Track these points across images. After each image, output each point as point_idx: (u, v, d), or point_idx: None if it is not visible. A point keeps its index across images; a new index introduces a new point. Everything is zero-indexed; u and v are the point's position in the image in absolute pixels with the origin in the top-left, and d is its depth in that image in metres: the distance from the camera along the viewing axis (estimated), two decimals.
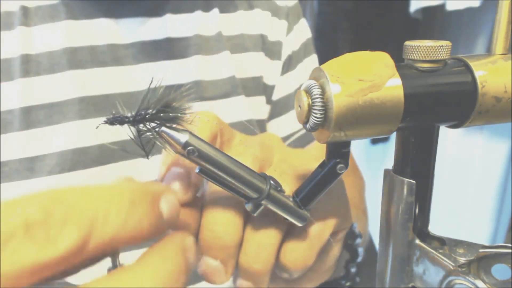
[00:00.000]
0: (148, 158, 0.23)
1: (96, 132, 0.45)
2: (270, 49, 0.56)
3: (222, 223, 0.25)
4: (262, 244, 0.25)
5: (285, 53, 0.57)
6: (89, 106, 0.46)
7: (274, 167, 0.28)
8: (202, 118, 0.27)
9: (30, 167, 0.45)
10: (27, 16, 0.46)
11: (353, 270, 0.38)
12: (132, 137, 0.22)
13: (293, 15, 0.59)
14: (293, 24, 0.59)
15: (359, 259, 0.38)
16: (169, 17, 0.50)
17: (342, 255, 0.38)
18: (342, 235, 0.31)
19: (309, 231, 0.27)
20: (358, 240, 0.38)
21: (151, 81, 0.22)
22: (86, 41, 0.47)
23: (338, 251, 0.32)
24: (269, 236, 0.26)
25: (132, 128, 0.22)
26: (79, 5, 0.47)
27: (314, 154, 0.31)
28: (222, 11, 0.54)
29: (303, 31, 0.60)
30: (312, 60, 0.61)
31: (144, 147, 0.22)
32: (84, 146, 0.46)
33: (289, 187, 0.26)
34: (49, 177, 0.45)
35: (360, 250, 0.39)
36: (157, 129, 0.22)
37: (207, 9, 0.53)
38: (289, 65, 0.58)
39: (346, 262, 0.38)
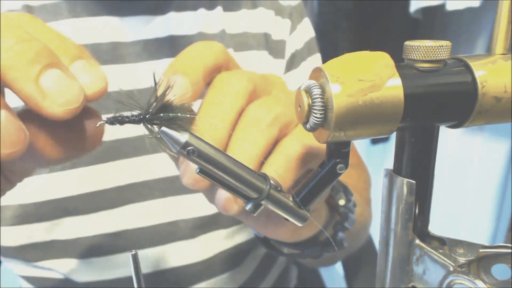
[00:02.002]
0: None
1: None
2: (274, 47, 0.56)
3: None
4: (242, 158, 0.25)
5: (289, 51, 0.57)
6: (90, 103, 0.47)
7: (272, 95, 0.29)
8: (209, 45, 0.29)
9: None
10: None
11: (340, 234, 0.38)
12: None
13: (297, 14, 0.59)
14: (296, 23, 0.59)
15: (349, 225, 0.38)
16: (172, 15, 0.50)
17: (333, 218, 0.38)
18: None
19: (285, 151, 0.28)
20: (351, 205, 0.38)
21: (156, 82, 0.22)
22: (89, 39, 0.47)
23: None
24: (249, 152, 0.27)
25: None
26: (82, 3, 0.47)
27: None
28: (225, 9, 0.54)
29: (307, 30, 0.60)
30: (316, 59, 0.61)
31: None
32: None
33: (280, 110, 0.28)
34: (51, 174, 0.45)
35: (352, 216, 0.39)
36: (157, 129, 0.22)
37: (210, 7, 0.53)
38: (292, 63, 0.58)
39: (335, 223, 0.38)
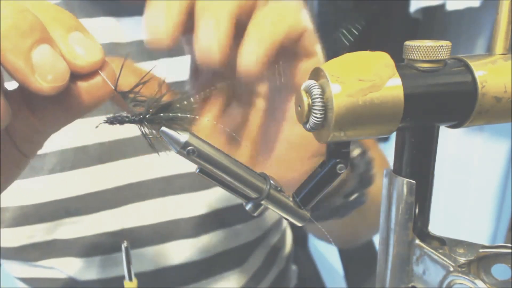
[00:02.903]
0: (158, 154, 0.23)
1: (97, 130, 0.46)
2: None
3: None
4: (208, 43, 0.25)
5: None
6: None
7: None
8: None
9: (32, 165, 0.45)
10: None
11: (356, 193, 0.38)
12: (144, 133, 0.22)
13: None
14: None
15: (364, 179, 0.38)
16: None
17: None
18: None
19: (257, 31, 0.26)
20: (366, 158, 0.38)
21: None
22: None
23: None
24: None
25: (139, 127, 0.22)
26: (79, 4, 0.47)
27: None
28: None
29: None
30: None
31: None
32: (84, 145, 0.46)
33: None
34: (51, 175, 0.45)
35: (370, 170, 0.39)
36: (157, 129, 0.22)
37: None
38: None
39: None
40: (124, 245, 0.28)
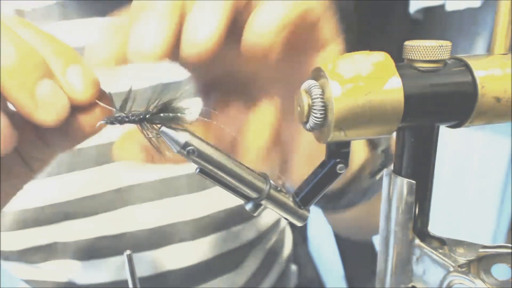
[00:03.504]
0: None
1: None
2: None
3: None
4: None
5: None
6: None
7: None
8: None
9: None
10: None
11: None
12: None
13: None
14: None
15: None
16: None
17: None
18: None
19: (271, 3, 0.23)
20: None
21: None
22: (81, 41, 0.47)
23: None
24: None
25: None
26: (74, 5, 0.47)
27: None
28: None
29: None
30: None
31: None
32: (81, 147, 0.46)
33: None
34: (48, 178, 0.45)
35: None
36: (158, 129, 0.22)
37: None
38: None
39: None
40: (126, 253, 0.28)
